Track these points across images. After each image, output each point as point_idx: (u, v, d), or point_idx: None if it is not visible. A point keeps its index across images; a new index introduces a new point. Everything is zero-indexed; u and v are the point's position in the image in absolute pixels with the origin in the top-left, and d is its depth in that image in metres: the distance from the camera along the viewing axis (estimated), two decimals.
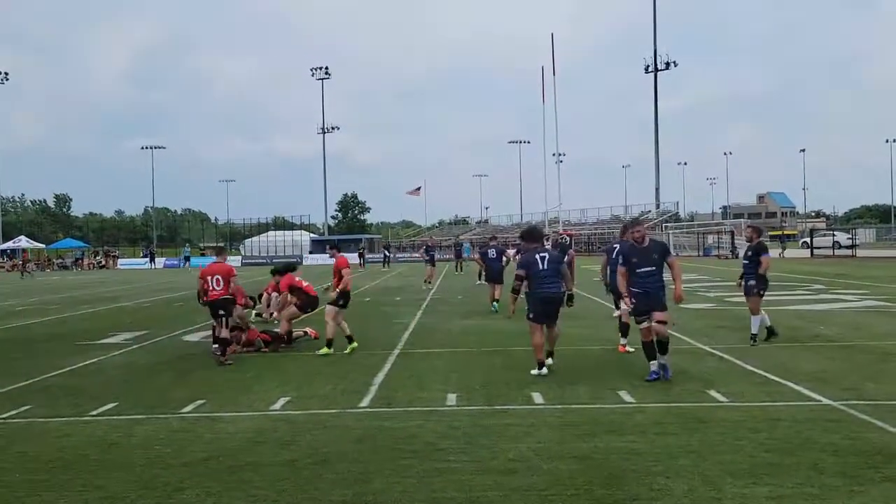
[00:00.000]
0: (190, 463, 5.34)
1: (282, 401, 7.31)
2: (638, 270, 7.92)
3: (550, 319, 8.37)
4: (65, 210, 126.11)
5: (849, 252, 44.01)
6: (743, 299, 10.86)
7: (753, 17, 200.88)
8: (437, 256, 31.01)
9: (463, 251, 39.60)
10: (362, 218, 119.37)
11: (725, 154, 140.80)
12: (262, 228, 78.87)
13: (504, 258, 16.94)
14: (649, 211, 67.81)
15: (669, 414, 6.42)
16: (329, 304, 10.40)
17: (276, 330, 11.33)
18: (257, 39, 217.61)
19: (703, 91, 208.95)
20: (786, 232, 71.28)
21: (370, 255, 56.73)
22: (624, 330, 9.84)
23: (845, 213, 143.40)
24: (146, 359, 10.44)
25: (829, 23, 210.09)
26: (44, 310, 19.69)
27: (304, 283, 11.45)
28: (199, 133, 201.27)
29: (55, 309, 19.97)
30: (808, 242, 52.04)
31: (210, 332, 10.69)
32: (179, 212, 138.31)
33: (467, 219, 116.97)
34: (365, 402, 7.23)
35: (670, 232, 57.52)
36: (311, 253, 62.60)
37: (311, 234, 76.85)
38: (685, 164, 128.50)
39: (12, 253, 65.57)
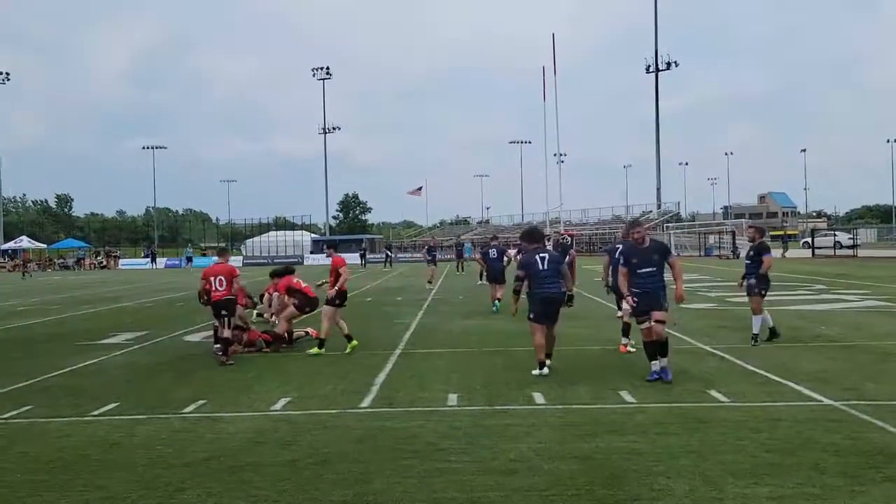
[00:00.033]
0: (191, 463, 5.34)
1: (283, 401, 7.32)
2: (638, 271, 7.93)
3: (551, 320, 8.37)
4: (66, 210, 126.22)
5: (850, 252, 43.97)
6: (744, 299, 10.86)
7: (754, 19, 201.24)
8: (438, 257, 31.06)
9: (464, 251, 39.65)
10: (363, 218, 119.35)
11: (726, 154, 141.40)
12: (263, 229, 78.95)
13: (505, 258, 16.95)
14: (650, 211, 67.79)
15: (670, 414, 6.42)
16: (326, 303, 10.42)
17: (276, 330, 11.34)
18: (257, 39, 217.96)
19: (704, 91, 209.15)
20: (787, 232, 71.18)
21: (371, 256, 56.78)
22: (625, 330, 9.84)
23: (846, 213, 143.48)
24: (147, 359, 10.44)
25: (829, 25, 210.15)
26: (45, 310, 19.71)
27: (303, 285, 11.48)
28: (199, 133, 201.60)
29: (56, 309, 19.99)
30: (810, 242, 52.00)
31: (211, 333, 10.70)
32: (180, 212, 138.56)
33: (468, 219, 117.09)
34: (366, 402, 7.23)
35: (671, 232, 57.53)
36: (312, 253, 62.58)
37: (312, 235, 76.87)
38: (686, 164, 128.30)
39: (14, 253, 65.67)
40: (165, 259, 66.68)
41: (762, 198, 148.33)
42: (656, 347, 7.79)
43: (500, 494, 4.55)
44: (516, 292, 8.74)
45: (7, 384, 8.54)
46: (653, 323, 7.76)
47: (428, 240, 65.38)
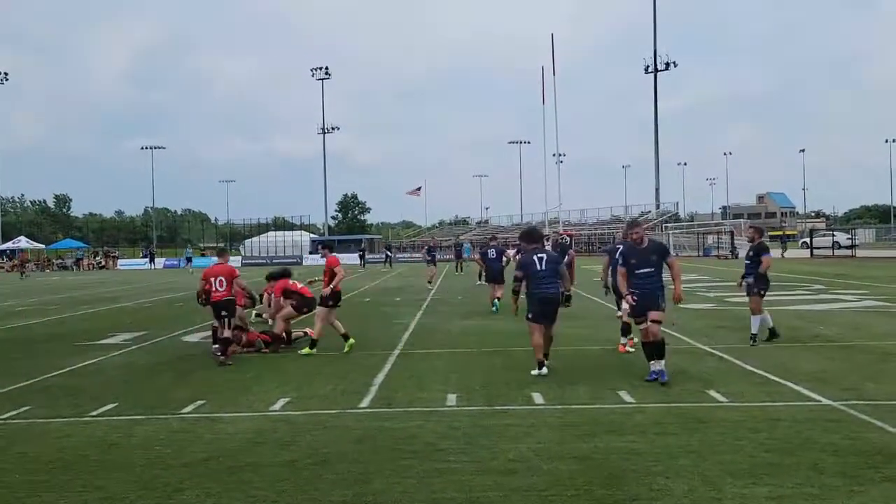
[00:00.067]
0: (190, 463, 5.34)
1: (281, 401, 7.31)
2: (636, 271, 7.93)
3: (549, 320, 8.37)
4: (64, 210, 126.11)
5: (848, 252, 44.02)
6: (743, 299, 10.88)
7: (753, 18, 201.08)
8: (437, 257, 31.08)
9: (463, 251, 39.64)
10: (362, 218, 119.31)
11: (725, 154, 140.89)
12: (262, 229, 78.89)
13: (504, 258, 16.97)
14: (649, 211, 67.84)
15: (669, 414, 6.42)
16: (319, 304, 10.45)
17: (274, 331, 11.34)
18: (257, 39, 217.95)
19: (703, 91, 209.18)
20: (786, 232, 71.23)
21: (370, 256, 56.84)
22: (625, 330, 9.85)
23: (845, 213, 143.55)
24: (146, 359, 10.44)
25: (829, 23, 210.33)
26: (44, 310, 19.69)
27: (299, 286, 11.50)
28: (199, 133, 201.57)
29: (55, 309, 19.97)
30: (808, 242, 52.05)
31: (210, 333, 10.69)
32: (179, 212, 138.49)
33: (467, 219, 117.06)
34: (365, 402, 7.23)
35: (670, 232, 57.57)
36: (311, 253, 62.59)
37: (312, 235, 76.86)
38: (685, 164, 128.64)
39: (12, 253, 65.62)
40: (164, 259, 66.66)
41: (761, 198, 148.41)
42: (654, 348, 7.80)
43: (499, 494, 4.55)
44: (515, 292, 8.80)
45: (6, 384, 8.53)
46: (649, 323, 7.77)
47: (427, 240, 65.42)
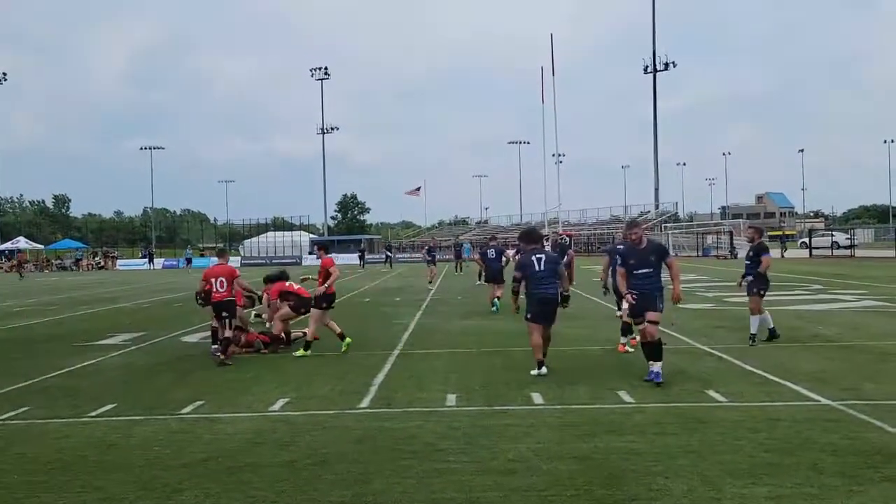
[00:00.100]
0: (189, 464, 5.34)
1: (281, 402, 7.31)
2: (635, 272, 7.93)
3: (548, 320, 8.38)
4: (63, 211, 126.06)
5: (847, 252, 44.05)
6: (742, 299, 10.89)
7: (753, 17, 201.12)
8: (437, 257, 31.11)
9: (463, 251, 39.64)
10: (362, 218, 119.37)
11: (724, 154, 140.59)
12: (261, 229, 78.86)
13: (504, 258, 16.98)
14: (648, 211, 67.85)
15: (669, 414, 6.42)
16: (313, 306, 10.46)
17: (272, 331, 11.34)
18: (257, 39, 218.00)
19: (703, 91, 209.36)
20: (785, 232, 71.25)
21: (370, 256, 56.84)
22: (625, 330, 9.85)
23: (844, 213, 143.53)
24: (145, 360, 10.43)
25: (828, 23, 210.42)
26: (43, 311, 19.68)
27: (296, 287, 11.51)
28: (198, 133, 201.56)
29: (54, 310, 19.96)
30: (807, 242, 52.07)
31: (209, 333, 10.69)
32: (178, 212, 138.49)
33: (467, 219, 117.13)
34: (364, 402, 7.23)
35: (669, 232, 57.60)
36: (310, 253, 62.60)
37: (311, 235, 76.84)
38: (684, 164, 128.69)
39: (11, 254, 65.59)
40: (163, 260, 66.65)
41: (760, 198, 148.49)
42: (651, 349, 7.80)
43: (498, 495, 4.55)
44: (514, 293, 8.82)
45: (5, 385, 8.52)
46: (646, 323, 7.77)
47: (427, 240, 65.44)
